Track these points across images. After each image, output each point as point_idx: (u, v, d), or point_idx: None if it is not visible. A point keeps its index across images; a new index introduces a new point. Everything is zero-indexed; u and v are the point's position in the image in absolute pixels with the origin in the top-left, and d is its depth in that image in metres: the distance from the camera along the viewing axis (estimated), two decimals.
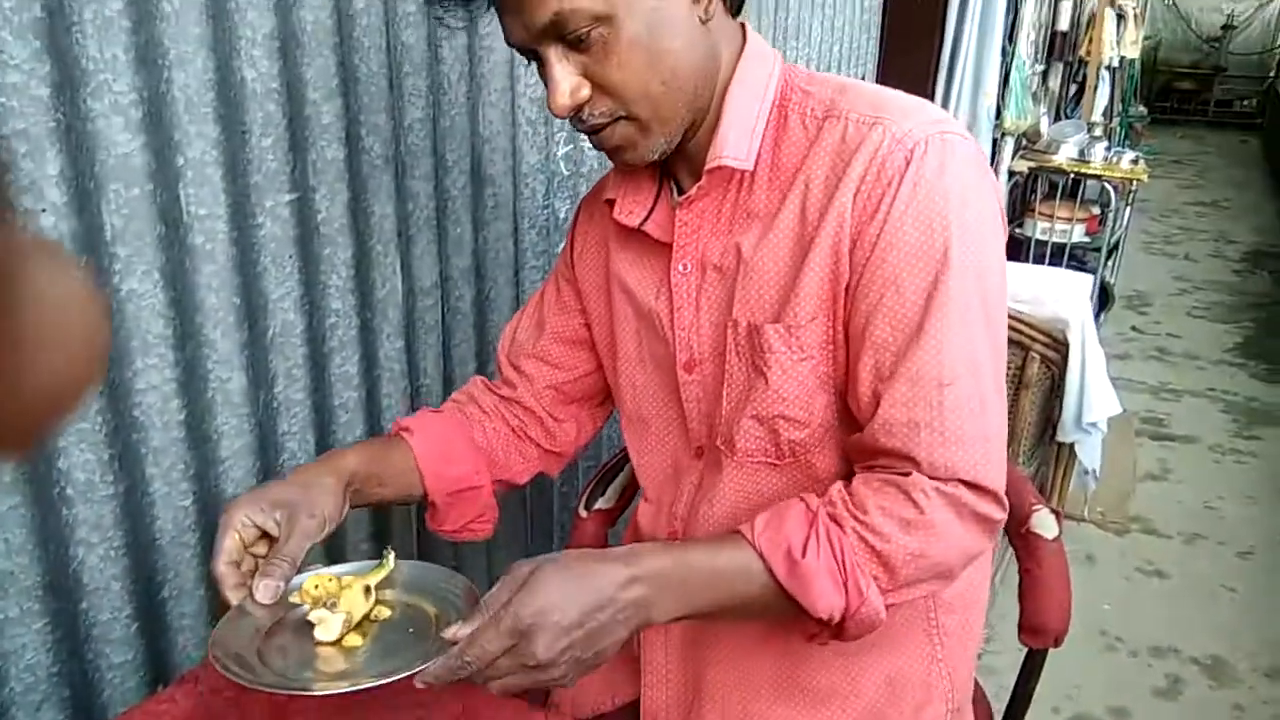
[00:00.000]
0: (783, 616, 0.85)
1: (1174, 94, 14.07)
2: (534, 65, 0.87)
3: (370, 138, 1.23)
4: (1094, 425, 2.43)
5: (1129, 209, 4.91)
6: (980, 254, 0.84)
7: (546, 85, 0.85)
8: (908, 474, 0.83)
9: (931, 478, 0.82)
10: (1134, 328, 4.99)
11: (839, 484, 0.86)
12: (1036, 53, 4.99)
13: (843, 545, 0.81)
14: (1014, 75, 4.14)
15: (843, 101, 0.89)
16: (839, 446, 0.93)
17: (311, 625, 0.86)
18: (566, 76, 0.83)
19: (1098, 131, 4.70)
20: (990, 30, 3.66)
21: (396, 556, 0.95)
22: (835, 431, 0.92)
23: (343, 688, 0.78)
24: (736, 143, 0.89)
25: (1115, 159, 4.32)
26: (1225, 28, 14.08)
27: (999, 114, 4.13)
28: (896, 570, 0.82)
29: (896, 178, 0.82)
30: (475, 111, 1.44)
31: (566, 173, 1.69)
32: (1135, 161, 4.39)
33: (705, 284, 0.95)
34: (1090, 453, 2.58)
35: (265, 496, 0.90)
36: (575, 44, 0.81)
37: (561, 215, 1.70)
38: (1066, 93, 6.01)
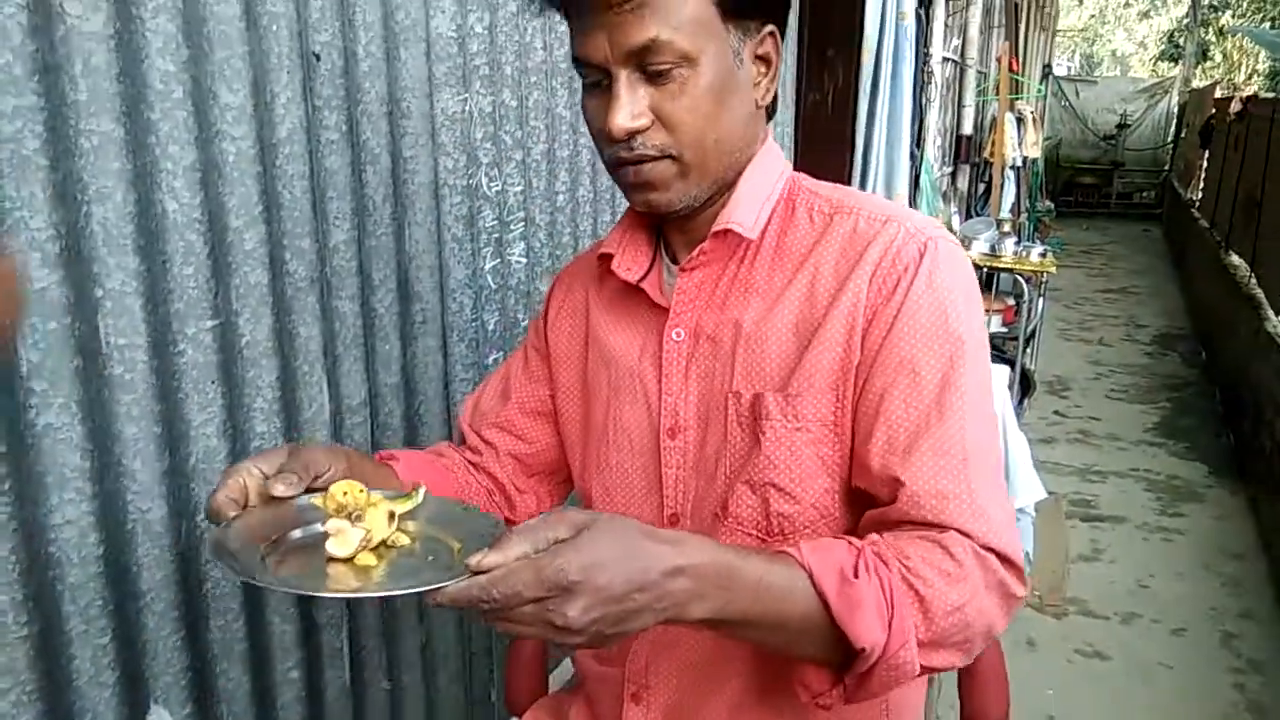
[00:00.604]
0: (807, 649, 0.80)
1: (1077, 188, 14.87)
2: (586, 92, 0.90)
3: (294, 261, 1.25)
4: (1022, 511, 2.48)
5: (1042, 299, 5.12)
6: (981, 344, 0.90)
7: (605, 108, 0.87)
8: (945, 531, 0.83)
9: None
10: (1056, 412, 5.14)
11: (872, 533, 0.85)
12: (944, 156, 5.25)
13: (890, 582, 0.79)
14: (924, 178, 4.35)
15: (850, 201, 0.96)
16: (830, 533, 0.92)
17: (323, 543, 0.79)
18: (633, 101, 0.85)
19: (1006, 227, 4.93)
20: (898, 136, 3.85)
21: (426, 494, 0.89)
22: (833, 519, 0.93)
23: (352, 593, 0.75)
24: (746, 214, 0.95)
25: (1025, 253, 4.52)
26: (1120, 126, 15.02)
27: None
28: (935, 620, 0.80)
29: (912, 265, 0.88)
30: (401, 231, 1.46)
31: (494, 286, 1.72)
32: (1044, 254, 4.61)
33: (697, 353, 0.97)
34: (1022, 538, 2.62)
35: (271, 454, 0.87)
36: (653, 75, 0.85)
37: (490, 327, 1.72)
38: (975, 192, 6.31)
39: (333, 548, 0.78)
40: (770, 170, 0.98)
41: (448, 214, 1.56)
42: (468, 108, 1.57)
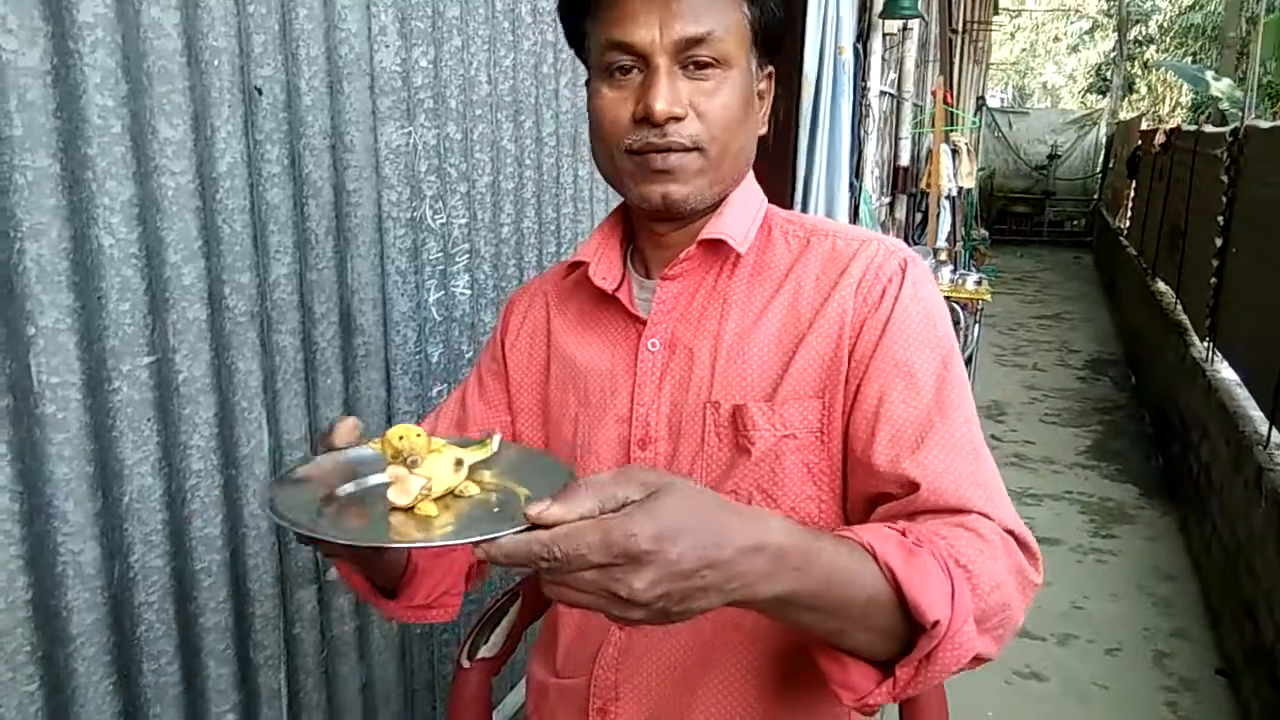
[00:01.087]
0: (862, 637, 0.75)
1: (1011, 217, 15.27)
2: (606, 80, 0.91)
3: (234, 295, 1.23)
4: None
5: (978, 325, 5.24)
6: (959, 353, 0.95)
7: (628, 96, 0.90)
8: (969, 514, 0.83)
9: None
10: (994, 436, 5.25)
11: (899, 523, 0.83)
12: (882, 186, 5.36)
13: (943, 556, 0.77)
14: (863, 208, 4.43)
15: (824, 226, 1.01)
16: None
17: (384, 491, 0.75)
18: (675, 89, 0.88)
19: (943, 256, 5.04)
20: (837, 167, 3.93)
21: (502, 441, 0.84)
22: (817, 526, 0.93)
23: (410, 543, 0.73)
24: (735, 227, 0.98)
25: (961, 281, 4.63)
26: (1051, 156, 15.48)
27: None
28: (982, 597, 0.77)
29: (896, 277, 0.93)
30: (344, 264, 1.45)
31: (439, 318, 1.72)
32: (979, 282, 4.73)
33: (672, 364, 0.98)
34: None
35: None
36: (695, 68, 0.89)
37: (434, 359, 1.71)
38: (912, 221, 6.45)
39: (394, 496, 0.74)
40: (753, 195, 1.02)
41: (391, 246, 1.55)
42: (412, 141, 1.57)
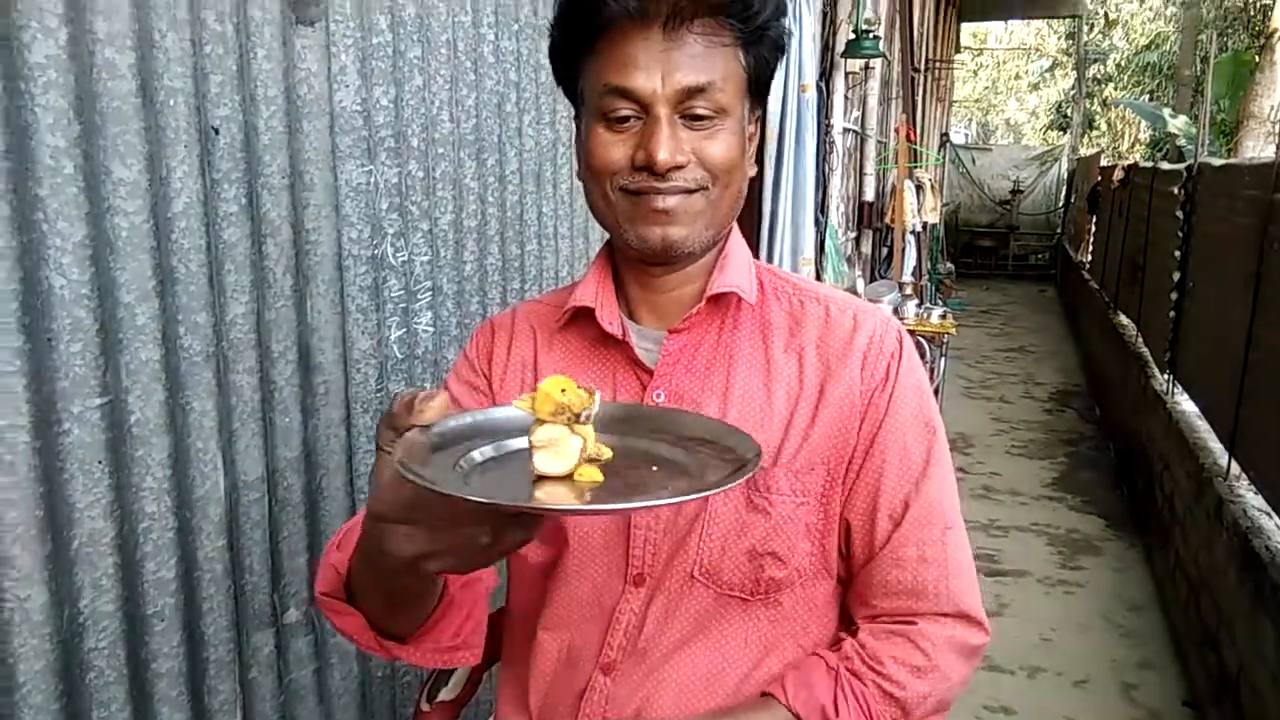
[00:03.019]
0: None
1: (976, 251, 15.49)
2: (602, 123, 0.91)
3: (189, 335, 1.22)
4: None
5: (944, 358, 5.29)
6: (941, 423, 1.03)
7: (628, 142, 0.90)
8: (913, 624, 0.95)
9: (935, 612, 0.96)
10: (961, 469, 5.29)
11: (849, 639, 0.97)
12: (847, 221, 5.42)
13: (867, 699, 0.92)
14: (829, 242, 4.48)
15: (811, 288, 1.05)
16: (806, 590, 1.00)
17: (515, 461, 0.65)
18: (676, 138, 0.90)
19: (908, 290, 5.10)
20: (803, 203, 3.98)
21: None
22: (809, 578, 1.00)
23: (644, 500, 0.63)
24: (741, 280, 0.99)
25: (926, 314, 4.69)
26: (1014, 192, 15.75)
27: (818, 277, 4.44)
28: (911, 712, 0.93)
29: (896, 353, 0.99)
30: (303, 302, 1.45)
31: (400, 356, 1.71)
32: (944, 316, 4.78)
33: None
34: None
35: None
36: (693, 119, 0.90)
37: None
38: (878, 256, 6.52)
39: (544, 463, 0.65)
40: (743, 246, 1.04)
41: (351, 284, 1.55)
42: (373, 179, 1.58)
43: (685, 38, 0.88)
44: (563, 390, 0.66)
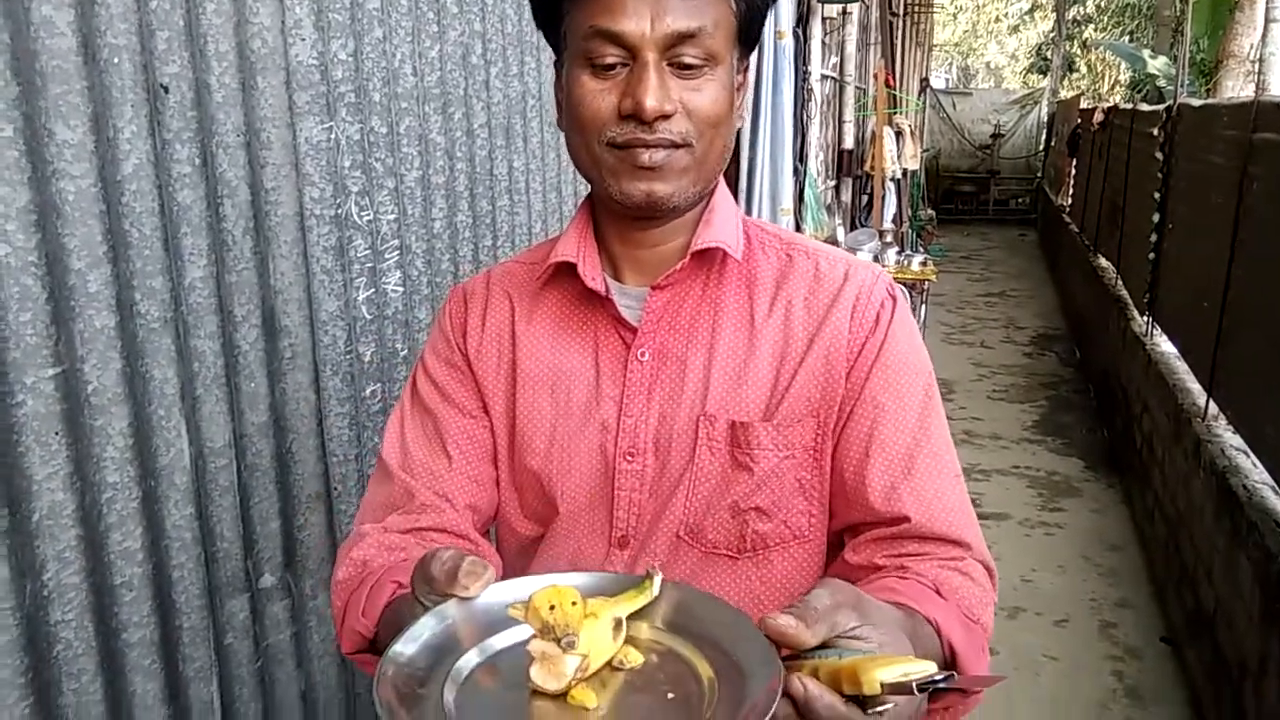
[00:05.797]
0: None
1: (957, 196, 15.46)
2: (587, 69, 0.87)
3: (145, 301, 1.19)
4: None
5: (925, 305, 5.29)
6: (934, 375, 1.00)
7: (614, 89, 0.86)
8: (964, 559, 0.90)
9: (970, 558, 0.90)
10: None
11: (904, 568, 0.88)
12: (827, 170, 5.38)
13: (965, 612, 0.85)
14: (808, 192, 4.45)
15: (800, 241, 1.02)
16: (799, 550, 0.97)
17: (518, 664, 0.61)
18: (664, 86, 0.86)
19: (889, 238, 5.09)
20: (782, 153, 3.93)
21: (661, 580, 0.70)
22: (802, 537, 0.96)
23: None
24: (728, 235, 0.96)
25: (906, 262, 4.68)
26: (994, 136, 15.68)
27: (798, 227, 4.41)
28: (986, 648, 0.86)
29: (887, 303, 0.96)
30: (265, 264, 1.42)
31: (369, 317, 1.68)
32: (924, 263, 4.77)
33: (661, 375, 0.96)
34: None
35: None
36: (680, 67, 0.86)
37: (367, 359, 1.68)
38: (858, 204, 6.49)
39: (539, 679, 0.61)
40: (729, 199, 1.01)
41: (315, 245, 1.52)
42: (334, 136, 1.54)
43: None
44: (551, 607, 0.61)
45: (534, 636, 0.62)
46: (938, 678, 0.56)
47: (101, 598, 1.17)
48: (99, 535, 1.16)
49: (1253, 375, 2.86)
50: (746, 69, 0.98)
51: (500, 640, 0.67)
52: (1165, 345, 4.31)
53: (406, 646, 0.63)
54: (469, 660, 0.65)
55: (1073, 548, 3.77)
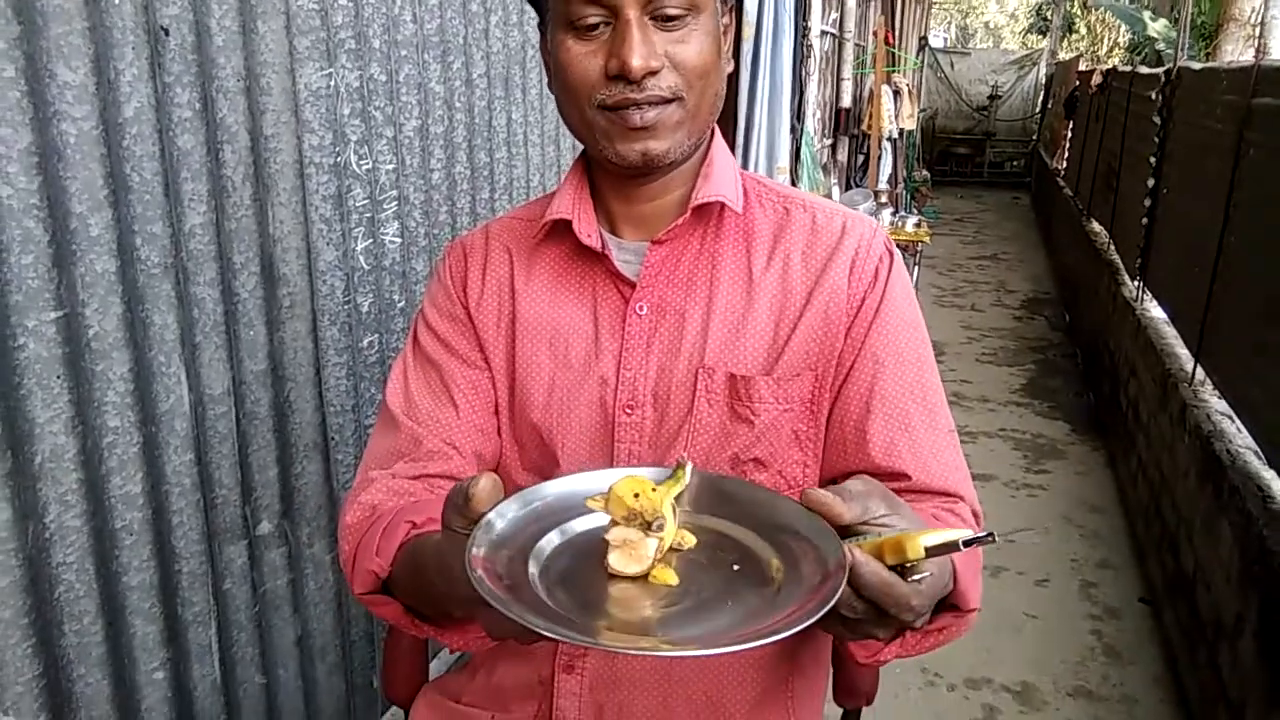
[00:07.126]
0: None
1: (952, 158, 15.37)
2: (570, 33, 0.86)
3: (145, 246, 1.19)
4: None
5: (917, 267, 5.29)
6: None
7: (600, 51, 0.86)
8: (959, 501, 0.93)
9: (966, 508, 0.94)
10: None
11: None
12: (824, 128, 5.35)
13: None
14: (804, 150, 4.42)
15: (797, 196, 1.02)
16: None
17: (593, 552, 0.63)
18: (648, 42, 0.85)
19: (884, 198, 5.07)
20: (779, 110, 3.91)
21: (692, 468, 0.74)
22: (800, 489, 0.93)
23: (684, 649, 0.57)
24: (727, 189, 0.96)
25: (901, 223, 4.67)
26: (991, 98, 15.55)
27: (793, 186, 4.40)
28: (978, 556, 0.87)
29: (885, 259, 0.97)
30: (264, 212, 1.41)
31: (367, 267, 1.68)
32: (918, 225, 4.77)
33: (660, 328, 0.97)
34: None
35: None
36: (663, 19, 0.86)
37: (364, 309, 1.68)
38: (854, 164, 6.46)
39: (619, 564, 0.63)
40: (726, 152, 1.01)
41: (314, 193, 1.51)
42: (333, 83, 1.52)
43: None
44: (636, 495, 0.65)
45: (612, 524, 0.65)
46: (980, 533, 0.61)
47: (102, 541, 1.18)
48: (100, 479, 1.17)
49: (1241, 339, 2.89)
50: (732, 9, 0.97)
51: (578, 525, 0.69)
52: (1155, 310, 4.33)
53: (497, 520, 0.65)
54: (550, 540, 0.68)
55: (1055, 509, 3.82)
